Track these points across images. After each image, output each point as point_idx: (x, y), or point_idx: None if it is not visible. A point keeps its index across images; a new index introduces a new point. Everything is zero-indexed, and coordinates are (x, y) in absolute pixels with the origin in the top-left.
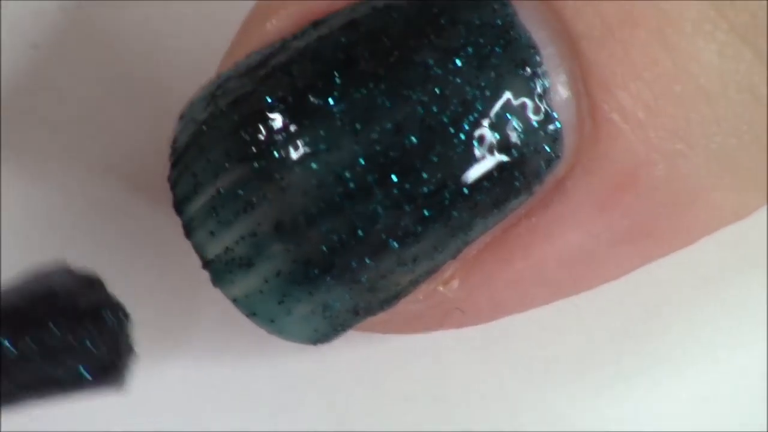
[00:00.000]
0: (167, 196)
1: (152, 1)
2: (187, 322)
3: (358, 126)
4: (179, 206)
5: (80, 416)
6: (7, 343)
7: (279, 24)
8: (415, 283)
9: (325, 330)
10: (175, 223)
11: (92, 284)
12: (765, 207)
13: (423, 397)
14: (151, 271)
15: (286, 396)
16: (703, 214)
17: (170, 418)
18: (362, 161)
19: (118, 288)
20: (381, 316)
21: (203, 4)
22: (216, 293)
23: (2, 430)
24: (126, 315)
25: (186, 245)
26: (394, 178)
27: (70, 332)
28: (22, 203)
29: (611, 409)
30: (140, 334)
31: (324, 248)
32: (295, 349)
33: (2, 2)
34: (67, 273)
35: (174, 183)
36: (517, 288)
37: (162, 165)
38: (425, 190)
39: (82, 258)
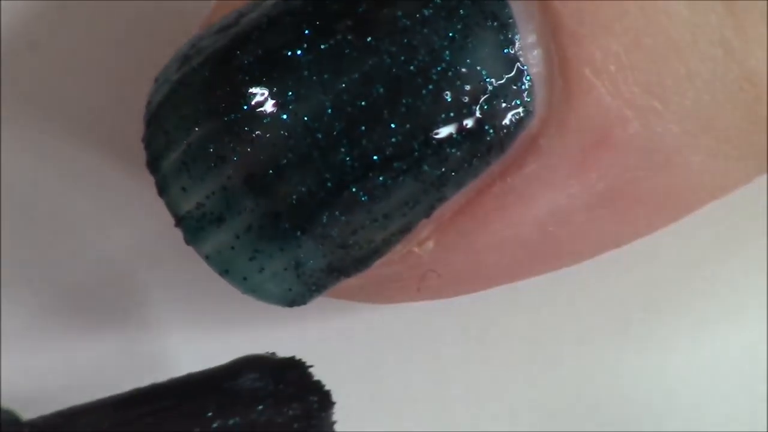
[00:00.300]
0: None
1: (152, 1)
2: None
3: (325, 76)
4: (152, 164)
5: None
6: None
7: None
8: (389, 243)
9: (299, 289)
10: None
11: (295, 367)
12: (765, 207)
13: (423, 398)
14: (149, 267)
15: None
16: (682, 179)
17: None
18: (330, 111)
19: (129, 286)
20: (356, 280)
21: (204, 4)
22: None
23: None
24: (330, 400)
25: None
26: (362, 128)
27: (278, 416)
28: (23, 202)
29: (611, 409)
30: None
31: (293, 201)
32: (293, 345)
33: (2, 2)
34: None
35: (147, 142)
36: (494, 251)
37: None
38: (394, 140)
39: (83, 257)
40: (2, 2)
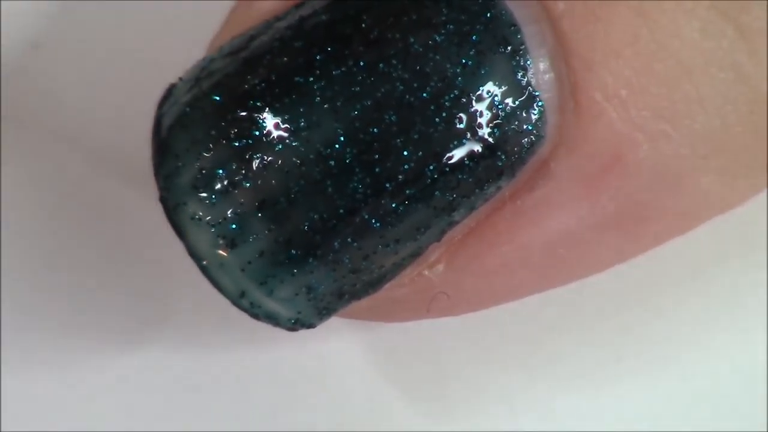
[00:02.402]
0: None
1: (153, 0)
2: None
3: (338, 103)
4: (163, 188)
5: (80, 417)
6: None
7: (264, 8)
8: (399, 266)
9: (309, 313)
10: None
11: None
12: (765, 208)
13: (423, 398)
14: (149, 267)
15: (286, 396)
16: (691, 199)
17: (168, 415)
18: (342, 138)
19: (117, 286)
20: (366, 302)
21: (204, 3)
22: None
23: (2, 430)
24: None
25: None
26: (374, 155)
27: None
28: (23, 202)
29: (611, 409)
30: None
31: (305, 227)
32: (293, 349)
33: (2, 2)
34: None
35: (157, 165)
36: (504, 272)
37: None
38: (406, 167)
39: (82, 255)
40: (3, 2)
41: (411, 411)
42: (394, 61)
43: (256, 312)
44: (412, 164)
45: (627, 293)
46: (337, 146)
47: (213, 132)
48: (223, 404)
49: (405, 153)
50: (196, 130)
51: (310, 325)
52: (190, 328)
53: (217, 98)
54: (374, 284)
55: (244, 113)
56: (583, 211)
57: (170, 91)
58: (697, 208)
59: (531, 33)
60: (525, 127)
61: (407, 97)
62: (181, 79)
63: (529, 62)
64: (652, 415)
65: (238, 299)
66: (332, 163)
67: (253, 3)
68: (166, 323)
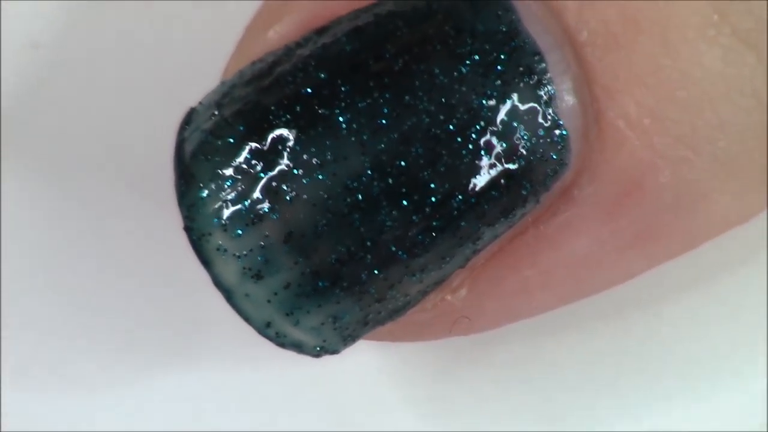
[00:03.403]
0: (168, 195)
1: (153, 0)
2: (191, 330)
3: (364, 136)
4: (187, 219)
5: (81, 419)
6: None
7: (282, 30)
8: (423, 293)
9: (335, 341)
10: (175, 222)
11: None
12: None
13: (423, 398)
14: (153, 275)
15: (285, 396)
16: (708, 217)
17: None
18: (369, 172)
19: (120, 289)
20: (389, 326)
21: (205, 3)
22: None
23: (2, 430)
24: None
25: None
26: (401, 188)
27: None
28: (23, 202)
29: (611, 409)
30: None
31: (333, 260)
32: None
33: (2, 2)
34: None
35: (181, 194)
36: (525, 294)
37: (162, 164)
38: (433, 200)
39: (81, 255)
40: (3, 2)
41: (410, 410)
42: (420, 93)
43: (281, 341)
44: (439, 196)
45: (627, 294)
46: (364, 179)
47: (238, 163)
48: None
49: (432, 185)
50: (220, 159)
51: (334, 352)
52: (218, 344)
53: (241, 128)
54: (398, 311)
55: (269, 145)
56: (604, 235)
57: (190, 116)
58: (713, 226)
59: (554, 61)
60: (550, 155)
61: (433, 129)
62: (201, 103)
63: (553, 91)
64: (652, 415)
65: (264, 329)
66: (359, 196)
67: (269, 27)
68: (196, 341)
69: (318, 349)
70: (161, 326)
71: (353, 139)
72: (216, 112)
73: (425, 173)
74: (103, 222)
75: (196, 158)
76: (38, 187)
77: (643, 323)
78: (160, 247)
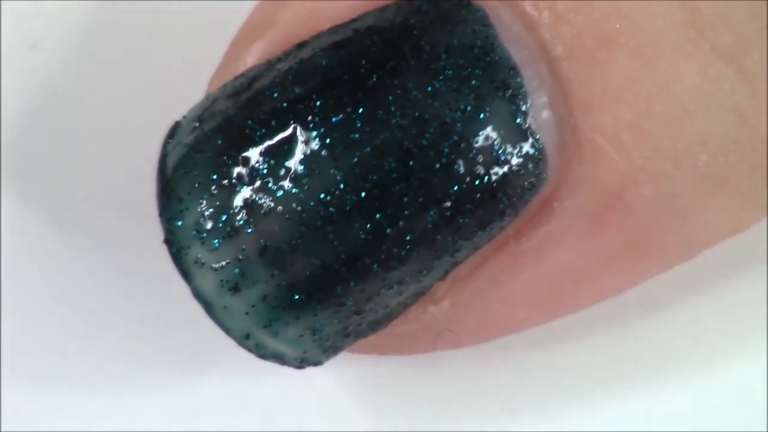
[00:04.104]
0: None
1: (153, 1)
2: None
3: (337, 150)
4: (167, 231)
5: (81, 419)
6: None
7: (266, 46)
8: (404, 305)
9: (316, 352)
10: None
11: None
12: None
13: (422, 399)
14: (152, 275)
15: (284, 396)
16: (698, 230)
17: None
18: (342, 186)
19: (119, 289)
20: (372, 339)
21: (203, 4)
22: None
23: (2, 429)
24: None
25: None
26: (375, 202)
27: None
28: (23, 203)
29: (610, 409)
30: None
31: (308, 273)
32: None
33: (2, 2)
34: None
35: (162, 207)
36: (509, 307)
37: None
38: (406, 213)
39: (80, 256)
40: (3, 2)
41: (409, 410)
42: (393, 108)
43: (262, 352)
44: (413, 209)
45: (626, 293)
46: (337, 193)
47: (215, 176)
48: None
49: (405, 199)
50: (198, 173)
51: (317, 363)
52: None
53: (219, 142)
54: (379, 323)
55: (245, 158)
56: (588, 248)
57: (174, 130)
58: (704, 238)
59: (530, 75)
60: (526, 168)
61: (406, 143)
62: (185, 117)
63: (528, 105)
64: (651, 415)
65: (244, 340)
66: (333, 210)
67: (253, 42)
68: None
69: (299, 360)
70: (160, 327)
71: (326, 153)
72: (197, 126)
73: (398, 187)
74: (104, 222)
75: (176, 172)
76: (38, 187)
77: (642, 323)
78: (159, 247)
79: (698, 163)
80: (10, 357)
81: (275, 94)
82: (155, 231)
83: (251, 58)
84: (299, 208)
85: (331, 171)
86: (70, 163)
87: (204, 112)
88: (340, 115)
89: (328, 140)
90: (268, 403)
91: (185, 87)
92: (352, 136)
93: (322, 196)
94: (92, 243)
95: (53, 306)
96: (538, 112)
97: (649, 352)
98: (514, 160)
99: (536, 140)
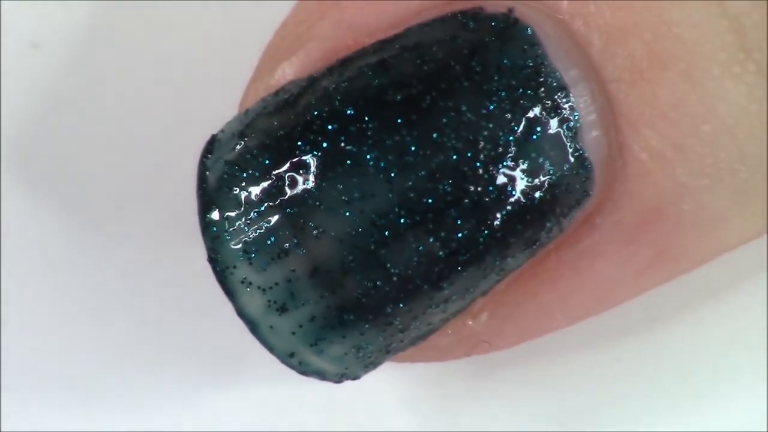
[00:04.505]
0: (175, 195)
1: (152, 1)
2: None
3: (392, 174)
4: (211, 250)
5: (81, 419)
6: None
7: (306, 58)
8: (446, 321)
9: (356, 368)
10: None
11: None
12: None
13: (424, 398)
14: (152, 276)
15: (282, 396)
16: (726, 236)
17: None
18: (396, 209)
19: (119, 290)
20: (409, 350)
21: (204, 3)
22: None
23: (2, 430)
24: None
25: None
26: (428, 225)
27: None
28: (23, 203)
29: (610, 409)
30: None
31: (358, 294)
32: None
33: (2, 2)
34: None
35: (205, 225)
36: (545, 317)
37: (163, 163)
38: (459, 235)
39: (80, 256)
40: (3, 2)
41: (409, 410)
42: (447, 130)
43: (304, 370)
44: (466, 232)
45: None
46: (391, 216)
47: (264, 197)
48: None
49: (459, 221)
50: (246, 192)
51: (355, 378)
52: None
53: (267, 161)
54: (421, 338)
55: (294, 179)
56: (624, 258)
57: (212, 144)
58: (731, 242)
59: (580, 94)
60: (574, 186)
61: (460, 166)
62: (222, 131)
63: (578, 124)
64: (651, 415)
65: (288, 359)
66: (386, 233)
67: (292, 53)
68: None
69: (340, 376)
70: (160, 327)
71: (381, 176)
72: (240, 143)
73: (452, 210)
74: (104, 222)
75: (221, 190)
76: (39, 187)
77: (642, 323)
78: (160, 248)
79: (737, 180)
80: (10, 357)
81: (324, 114)
82: (155, 231)
83: (289, 72)
84: (352, 232)
85: (386, 194)
86: (70, 163)
87: (246, 128)
88: (395, 138)
89: (381, 163)
90: (275, 407)
91: (186, 87)
92: (406, 159)
93: (376, 219)
94: (92, 243)
95: (53, 306)
96: (587, 130)
97: (648, 353)
98: (563, 179)
99: (585, 159)
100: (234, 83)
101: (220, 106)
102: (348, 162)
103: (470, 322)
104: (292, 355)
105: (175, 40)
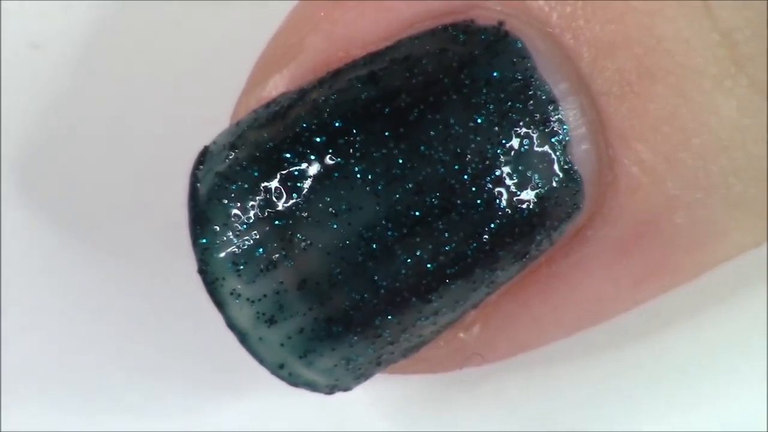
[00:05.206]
0: (171, 203)
1: (152, 1)
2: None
3: (379, 186)
4: (201, 261)
5: (81, 419)
6: None
7: (295, 72)
8: (437, 333)
9: (347, 380)
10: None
11: None
12: None
13: (423, 399)
14: (152, 276)
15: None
16: (722, 249)
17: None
18: (384, 222)
19: (118, 290)
20: (401, 362)
21: (203, 4)
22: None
23: (2, 430)
24: None
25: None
26: (416, 238)
27: None
28: (23, 203)
29: (610, 409)
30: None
31: (347, 306)
32: None
33: (2, 2)
34: None
35: (195, 236)
36: (537, 329)
37: (164, 167)
38: (447, 248)
39: (80, 256)
40: (3, 2)
41: (409, 410)
42: (435, 143)
43: (294, 381)
44: (454, 245)
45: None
46: (378, 229)
47: (252, 209)
48: None
49: (446, 234)
50: (235, 204)
51: (346, 389)
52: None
53: (256, 173)
54: (412, 350)
55: (283, 192)
56: (617, 272)
57: (204, 155)
58: (728, 253)
59: (569, 108)
60: (564, 200)
61: (448, 179)
62: (214, 142)
63: (567, 138)
64: (651, 415)
65: (278, 370)
66: (374, 246)
67: (283, 66)
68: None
69: (330, 387)
70: (160, 327)
71: (368, 189)
72: (230, 155)
73: (440, 222)
74: (103, 222)
75: (211, 201)
76: (38, 186)
77: (642, 324)
78: (160, 249)
79: (732, 193)
80: (10, 357)
81: (313, 126)
82: (156, 231)
83: (280, 84)
84: (339, 244)
85: (373, 207)
86: (70, 163)
87: (237, 140)
88: (382, 151)
89: (369, 176)
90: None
91: (186, 86)
92: (394, 171)
93: (364, 231)
94: (92, 243)
95: (53, 307)
96: (577, 144)
97: (648, 352)
98: (553, 193)
99: (575, 172)
100: (233, 93)
101: (221, 115)
102: (336, 174)
103: (462, 335)
104: (281, 366)
105: (175, 39)
